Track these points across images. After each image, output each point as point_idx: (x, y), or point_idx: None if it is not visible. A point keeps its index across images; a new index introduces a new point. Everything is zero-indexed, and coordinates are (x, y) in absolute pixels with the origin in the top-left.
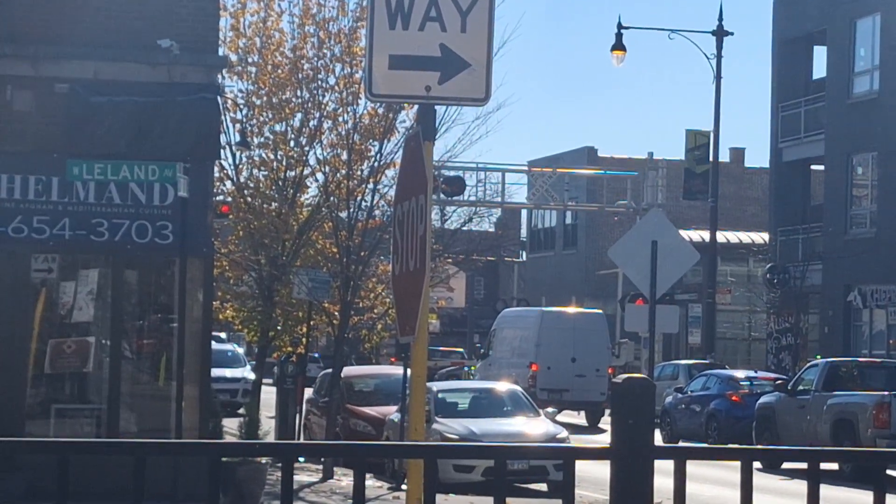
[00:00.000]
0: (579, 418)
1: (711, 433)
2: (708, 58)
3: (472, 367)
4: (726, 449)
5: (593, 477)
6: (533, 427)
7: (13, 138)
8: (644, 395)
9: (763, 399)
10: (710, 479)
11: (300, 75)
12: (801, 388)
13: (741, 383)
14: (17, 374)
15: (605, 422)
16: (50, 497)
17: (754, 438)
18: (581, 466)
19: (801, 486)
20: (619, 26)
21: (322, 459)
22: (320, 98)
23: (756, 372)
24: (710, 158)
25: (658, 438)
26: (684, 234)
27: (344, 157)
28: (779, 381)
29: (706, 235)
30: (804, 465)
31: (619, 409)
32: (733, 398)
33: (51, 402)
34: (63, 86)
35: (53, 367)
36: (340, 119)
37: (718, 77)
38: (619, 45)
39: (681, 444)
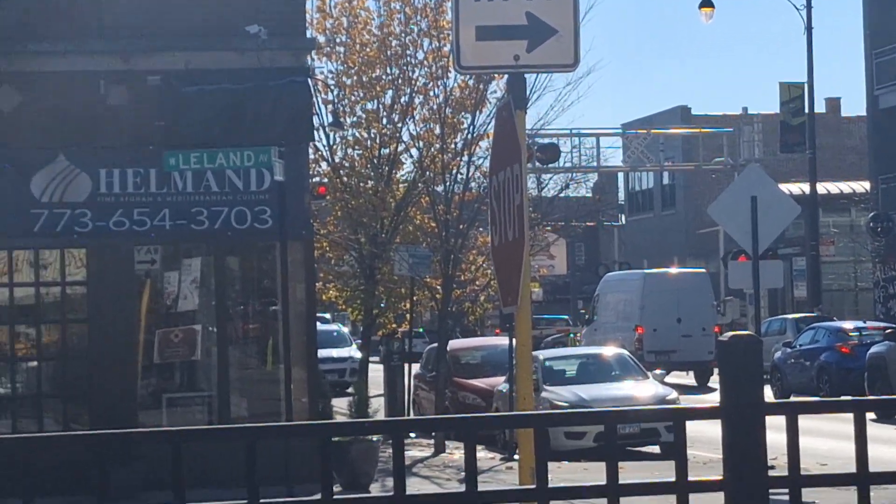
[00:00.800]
0: (688, 378)
1: (822, 386)
2: (797, 8)
3: (577, 334)
4: (838, 402)
5: (706, 437)
6: (642, 390)
7: (109, 133)
8: (751, 353)
9: (874, 349)
10: (823, 432)
11: (389, 52)
12: None
13: (850, 334)
14: (127, 366)
15: (714, 381)
16: (167, 486)
17: (866, 389)
18: (693, 426)
19: None
20: None
21: (433, 434)
22: (410, 74)
23: (865, 322)
24: (806, 110)
25: (769, 394)
26: (783, 187)
27: (437, 131)
28: (889, 330)
29: (806, 188)
30: None
31: (727, 368)
32: (843, 350)
33: (161, 391)
34: (155, 78)
35: (162, 357)
36: (431, 93)
37: (809, 27)
38: (707, 2)
39: (792, 398)
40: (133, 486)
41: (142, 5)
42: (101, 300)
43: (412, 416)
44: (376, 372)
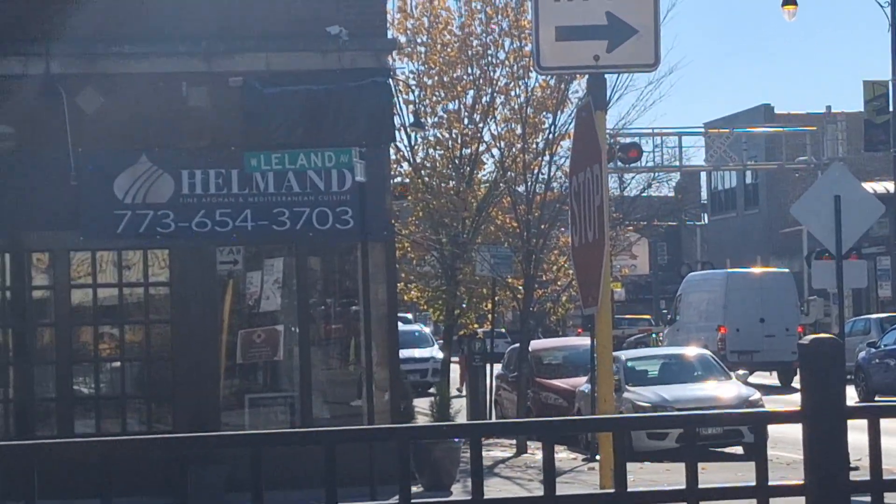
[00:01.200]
0: (771, 379)
1: None
2: (881, 6)
3: (659, 334)
4: None
5: (790, 437)
6: (725, 391)
7: (191, 134)
8: (832, 356)
9: None
10: None
11: (469, 52)
12: None
13: None
14: (210, 367)
15: (798, 381)
16: (248, 487)
17: None
18: (778, 427)
19: None
20: None
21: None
22: (491, 74)
23: None
24: (891, 108)
25: (853, 395)
26: (867, 186)
27: (518, 131)
28: None
29: (890, 186)
30: None
31: (808, 371)
32: None
33: (244, 392)
34: (237, 79)
35: (245, 358)
36: (512, 93)
37: (894, 24)
38: (789, 0)
39: (876, 399)
40: (214, 488)
41: (222, 7)
42: (184, 301)
43: (493, 419)
44: (458, 372)
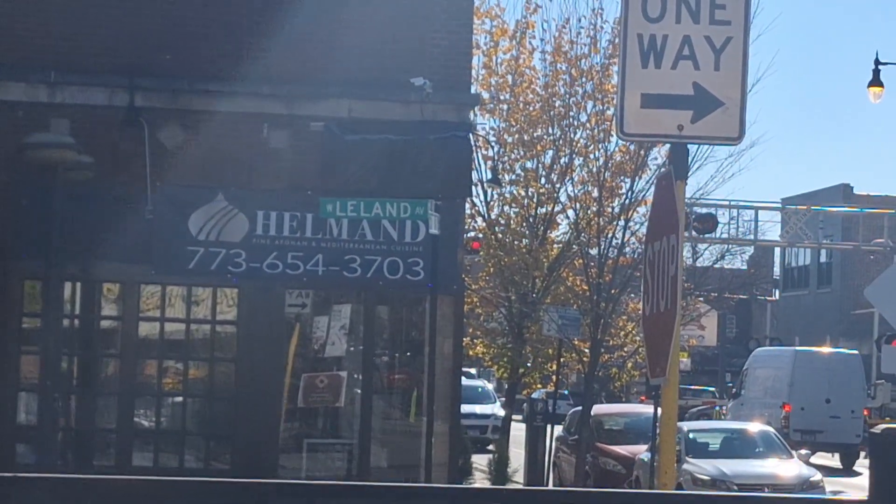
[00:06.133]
0: (833, 461)
1: None
2: None
3: (723, 408)
4: None
5: None
6: (786, 469)
7: (269, 176)
8: None
9: None
10: None
11: (552, 112)
12: None
13: None
14: (271, 409)
15: (860, 465)
16: None
17: None
18: None
19: None
20: (877, 62)
21: None
22: (572, 135)
23: None
24: None
25: None
26: None
27: (595, 193)
28: None
29: None
30: None
31: (878, 461)
32: None
33: (304, 436)
34: (318, 124)
35: (306, 402)
36: (591, 156)
37: None
38: (876, 81)
39: None
40: None
41: (308, 52)
42: (250, 341)
43: (551, 481)
44: (518, 431)
